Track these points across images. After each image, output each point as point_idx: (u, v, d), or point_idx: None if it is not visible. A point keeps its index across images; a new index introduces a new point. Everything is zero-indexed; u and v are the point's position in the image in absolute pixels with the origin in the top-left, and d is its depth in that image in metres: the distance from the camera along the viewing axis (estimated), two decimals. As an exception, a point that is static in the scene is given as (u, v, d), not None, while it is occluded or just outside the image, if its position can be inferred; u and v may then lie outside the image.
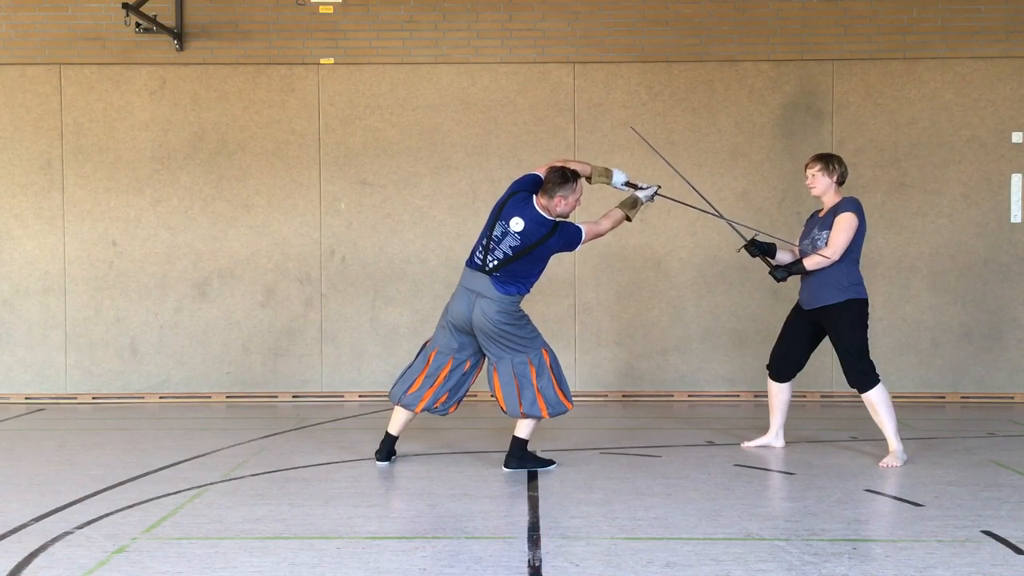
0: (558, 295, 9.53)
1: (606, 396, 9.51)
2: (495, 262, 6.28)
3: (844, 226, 6.46)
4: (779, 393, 6.97)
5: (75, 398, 9.54)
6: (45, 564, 4.36)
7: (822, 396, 9.42)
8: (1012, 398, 9.38)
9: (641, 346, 9.53)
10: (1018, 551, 4.52)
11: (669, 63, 9.50)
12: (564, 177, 6.28)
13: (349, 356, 9.55)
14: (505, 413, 6.39)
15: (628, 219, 6.57)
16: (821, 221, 6.66)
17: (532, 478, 6.10)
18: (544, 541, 4.68)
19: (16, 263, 9.55)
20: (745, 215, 9.31)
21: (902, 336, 9.44)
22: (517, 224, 6.27)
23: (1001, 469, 6.34)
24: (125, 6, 8.73)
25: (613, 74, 9.51)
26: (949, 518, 5.10)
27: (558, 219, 6.33)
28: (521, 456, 6.41)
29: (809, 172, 6.70)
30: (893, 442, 6.53)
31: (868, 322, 6.62)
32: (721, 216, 7.31)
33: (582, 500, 5.51)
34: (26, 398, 9.53)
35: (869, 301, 6.70)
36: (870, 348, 6.64)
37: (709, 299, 9.42)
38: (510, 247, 6.26)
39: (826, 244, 6.49)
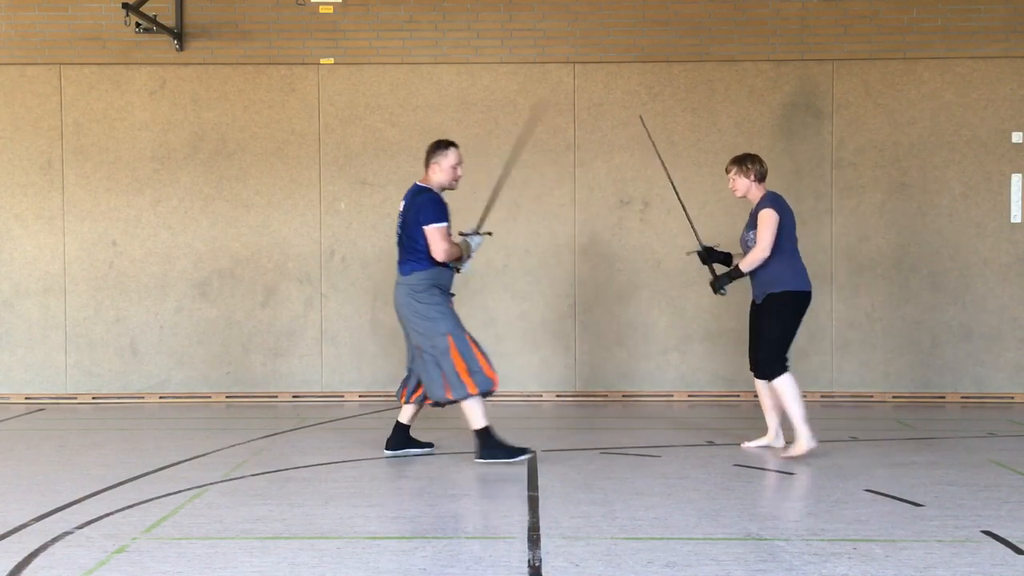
0: (558, 295, 9.53)
1: (606, 396, 9.51)
2: (398, 248, 6.69)
3: (765, 222, 6.69)
4: (767, 391, 6.99)
5: (75, 398, 9.54)
6: (45, 564, 4.35)
7: (822, 396, 9.42)
8: (1012, 398, 9.37)
9: (641, 346, 9.53)
10: (1018, 551, 4.52)
11: (669, 63, 9.50)
12: (436, 143, 6.70)
13: (349, 356, 9.55)
14: (433, 403, 6.67)
15: (460, 261, 6.65)
16: (749, 221, 6.90)
17: (532, 478, 6.09)
18: (544, 541, 4.68)
19: (16, 263, 9.55)
20: (745, 215, 9.29)
21: (902, 336, 9.44)
22: (401, 204, 6.71)
23: (1001, 469, 6.34)
24: (125, 6, 8.73)
25: (613, 74, 9.51)
26: (949, 518, 5.10)
27: (435, 188, 6.65)
28: (488, 446, 6.49)
29: (728, 177, 6.95)
30: (799, 428, 6.63)
31: (799, 315, 6.76)
32: (690, 221, 7.44)
33: (582, 500, 5.50)
34: (26, 398, 9.53)
35: (812, 294, 6.86)
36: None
37: (709, 299, 9.41)
38: (399, 225, 6.68)
39: (755, 243, 6.73)
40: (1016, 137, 9.36)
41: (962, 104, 9.41)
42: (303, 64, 9.55)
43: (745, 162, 6.87)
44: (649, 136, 8.03)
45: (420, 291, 6.51)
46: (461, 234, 6.77)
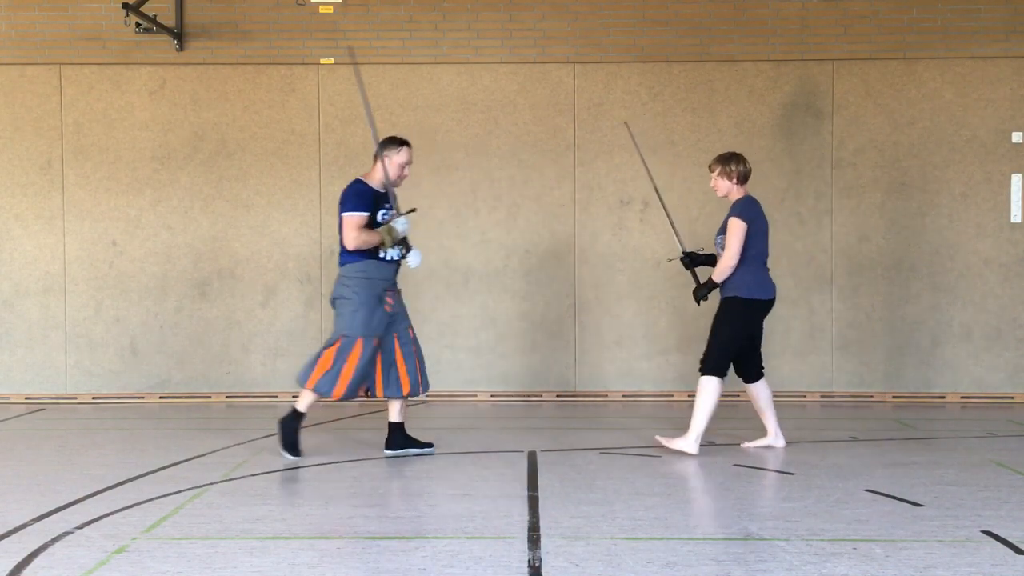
0: (558, 295, 9.53)
1: (606, 396, 9.51)
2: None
3: (732, 231, 6.68)
4: (755, 392, 7.02)
5: (75, 398, 9.54)
6: (45, 564, 4.35)
7: (822, 396, 9.42)
8: (1012, 398, 9.37)
9: (641, 346, 9.53)
10: (1018, 551, 4.52)
11: (669, 63, 9.50)
12: (390, 139, 6.65)
13: (349, 356, 9.54)
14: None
15: (384, 245, 6.60)
16: (721, 225, 6.87)
17: (532, 478, 6.09)
18: (544, 541, 4.68)
19: (16, 263, 9.55)
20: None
21: (902, 336, 9.44)
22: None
23: (1001, 469, 6.34)
24: (125, 6, 8.73)
25: (613, 74, 9.51)
26: (949, 518, 5.10)
27: (377, 184, 6.64)
28: (287, 430, 6.67)
29: (711, 176, 6.89)
30: (693, 428, 6.69)
31: (750, 322, 6.76)
32: (672, 226, 7.39)
33: (582, 500, 5.50)
34: (26, 398, 9.53)
35: (775, 300, 6.85)
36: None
37: (709, 299, 9.39)
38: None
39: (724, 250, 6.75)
40: (1016, 137, 9.36)
41: (962, 104, 9.41)
42: (303, 64, 9.56)
43: (729, 163, 6.81)
44: (634, 142, 8.04)
45: (348, 283, 6.59)
46: (378, 222, 6.62)
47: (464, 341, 9.57)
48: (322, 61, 9.57)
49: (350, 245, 6.52)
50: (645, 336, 9.52)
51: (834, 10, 9.47)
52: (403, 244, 6.62)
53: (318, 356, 6.61)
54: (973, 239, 9.41)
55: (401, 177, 6.68)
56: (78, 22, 9.58)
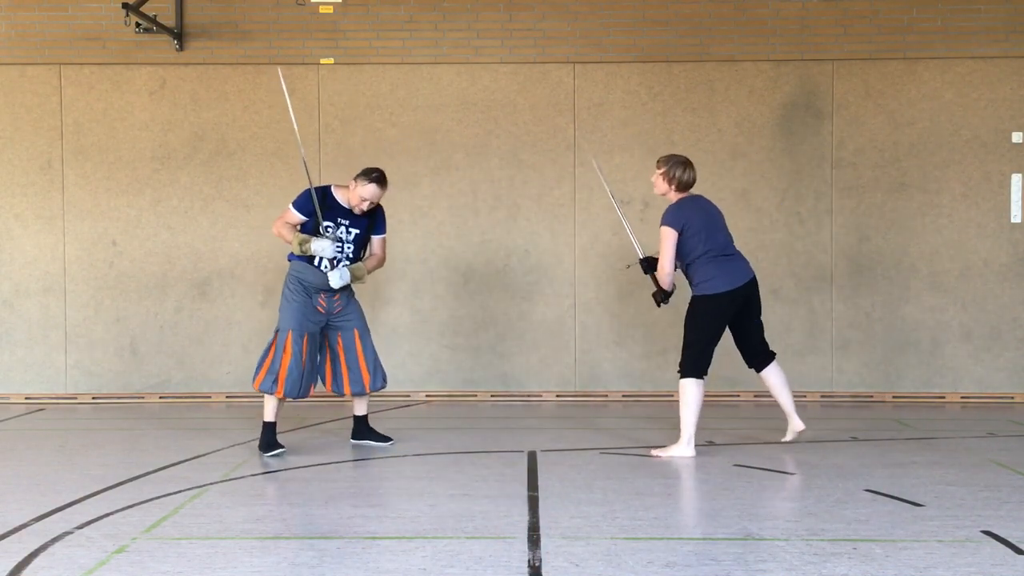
0: (558, 295, 9.53)
1: (606, 396, 9.51)
2: None
3: (662, 241, 6.77)
4: (766, 380, 7.05)
5: (75, 398, 9.54)
6: (45, 564, 4.35)
7: (822, 396, 9.42)
8: (1012, 398, 9.38)
9: (641, 346, 9.53)
10: (1018, 551, 4.52)
11: (669, 63, 9.50)
12: (368, 171, 6.89)
13: (349, 356, 9.53)
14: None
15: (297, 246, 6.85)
16: None
17: (532, 478, 6.09)
18: (544, 541, 4.68)
19: (16, 263, 9.55)
20: (745, 215, 9.32)
21: (902, 336, 9.44)
22: None
23: (1001, 469, 6.34)
24: (125, 6, 8.73)
25: (613, 74, 9.51)
26: (949, 518, 5.10)
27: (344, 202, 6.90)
28: (266, 437, 6.84)
29: (656, 171, 6.92)
30: (684, 432, 6.69)
31: (716, 318, 6.76)
32: (629, 232, 7.37)
33: (582, 500, 5.50)
34: (26, 398, 9.53)
35: (749, 284, 6.82)
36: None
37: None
38: None
39: None
40: (1016, 137, 9.36)
41: (962, 104, 9.41)
42: (303, 64, 9.55)
43: (675, 168, 6.81)
44: (596, 166, 8.04)
45: (286, 281, 6.93)
46: (319, 231, 6.79)
47: (464, 341, 9.57)
48: (322, 61, 9.57)
49: (273, 229, 6.94)
50: (645, 336, 9.52)
51: (834, 10, 9.47)
52: (332, 261, 6.79)
53: (263, 356, 6.87)
54: (973, 239, 9.41)
55: (357, 207, 6.85)
56: (78, 22, 9.58)
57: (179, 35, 9.50)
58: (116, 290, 9.55)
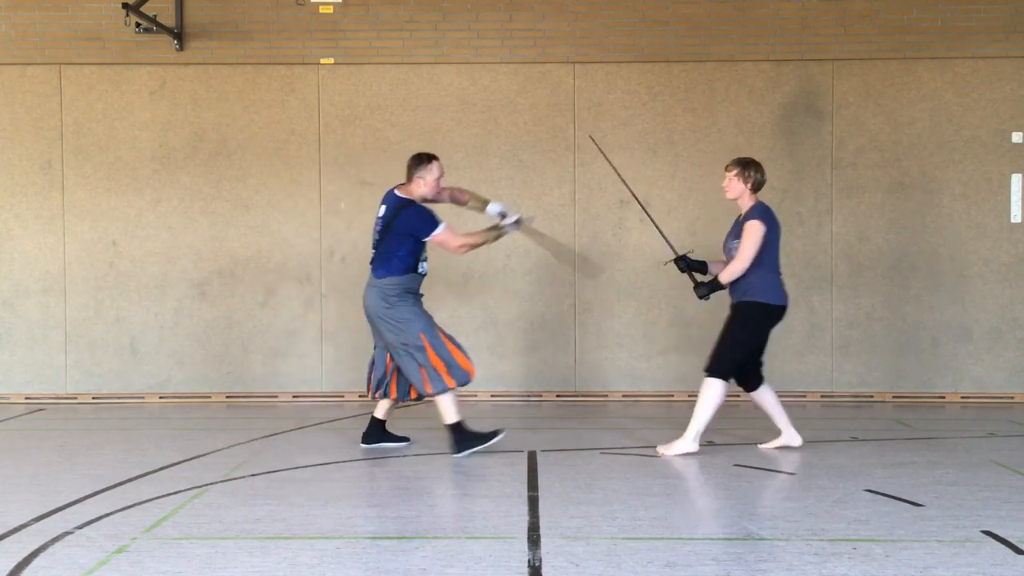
0: (558, 295, 9.53)
1: (606, 396, 9.51)
2: (373, 251, 6.94)
3: (750, 235, 6.64)
4: (759, 400, 7.01)
5: (75, 398, 9.54)
6: (45, 564, 4.35)
7: (822, 396, 9.42)
8: (1012, 398, 9.38)
9: (641, 346, 9.53)
10: (1018, 551, 4.52)
11: (669, 63, 9.50)
12: (419, 158, 6.85)
13: (349, 356, 9.53)
14: (417, 398, 7.01)
15: (488, 241, 7.12)
16: (734, 229, 6.83)
17: (532, 478, 6.09)
18: (544, 541, 4.68)
19: (16, 263, 9.55)
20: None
21: (902, 336, 9.44)
22: (380, 210, 6.91)
23: (1001, 469, 6.34)
24: (125, 6, 8.72)
25: (613, 74, 9.51)
26: (949, 518, 5.10)
27: (418, 200, 6.86)
28: (463, 439, 6.77)
29: (726, 175, 6.84)
30: (693, 426, 6.70)
31: (766, 328, 6.74)
32: (659, 229, 7.38)
33: (582, 500, 5.50)
34: (26, 398, 9.52)
35: (787, 308, 6.82)
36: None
37: (711, 299, 9.39)
38: (376, 232, 6.90)
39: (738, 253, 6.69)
40: (1016, 137, 9.36)
41: (962, 104, 9.41)
42: (303, 64, 9.55)
43: (748, 168, 6.76)
44: (605, 157, 8.02)
45: (391, 295, 6.81)
46: (501, 215, 7.16)
47: (464, 341, 9.53)
48: (322, 61, 9.57)
49: (464, 251, 7.11)
50: (645, 336, 9.52)
51: (834, 10, 9.47)
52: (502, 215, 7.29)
53: (426, 363, 6.76)
54: (973, 239, 9.41)
55: (439, 192, 6.98)
56: (78, 22, 9.58)
57: (179, 35, 9.50)
58: (116, 290, 9.55)
